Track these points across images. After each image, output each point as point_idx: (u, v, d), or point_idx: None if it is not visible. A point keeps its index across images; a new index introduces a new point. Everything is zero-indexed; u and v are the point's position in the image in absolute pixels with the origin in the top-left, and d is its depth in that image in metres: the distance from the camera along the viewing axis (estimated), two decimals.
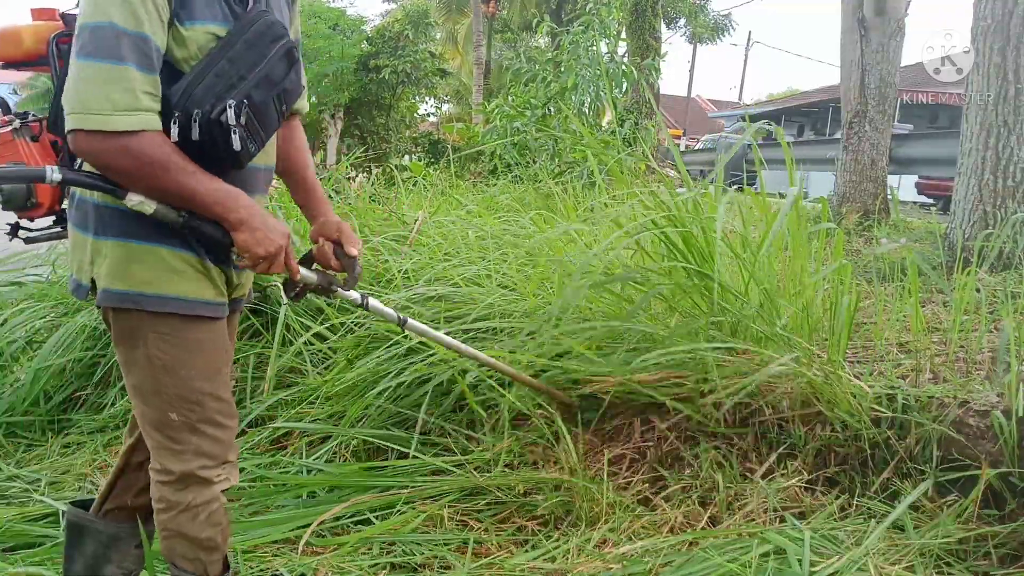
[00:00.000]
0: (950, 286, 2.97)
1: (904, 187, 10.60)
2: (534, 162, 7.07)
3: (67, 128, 1.16)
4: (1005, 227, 3.63)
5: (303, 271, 1.46)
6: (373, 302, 1.70)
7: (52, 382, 2.93)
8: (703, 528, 1.92)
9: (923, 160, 7.83)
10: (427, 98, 15.91)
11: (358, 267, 1.54)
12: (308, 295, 1.54)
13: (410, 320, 1.83)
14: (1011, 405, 1.86)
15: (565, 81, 7.33)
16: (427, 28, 15.58)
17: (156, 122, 1.18)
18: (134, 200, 1.22)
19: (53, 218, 1.49)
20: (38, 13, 1.44)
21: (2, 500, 2.26)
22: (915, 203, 9.97)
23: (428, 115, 17.10)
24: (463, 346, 2.04)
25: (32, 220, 1.47)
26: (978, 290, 2.60)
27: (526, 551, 1.91)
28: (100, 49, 1.13)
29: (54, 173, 1.19)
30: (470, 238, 3.29)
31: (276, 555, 1.89)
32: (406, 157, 12.60)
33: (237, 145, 1.24)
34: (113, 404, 2.83)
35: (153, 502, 1.40)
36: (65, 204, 1.43)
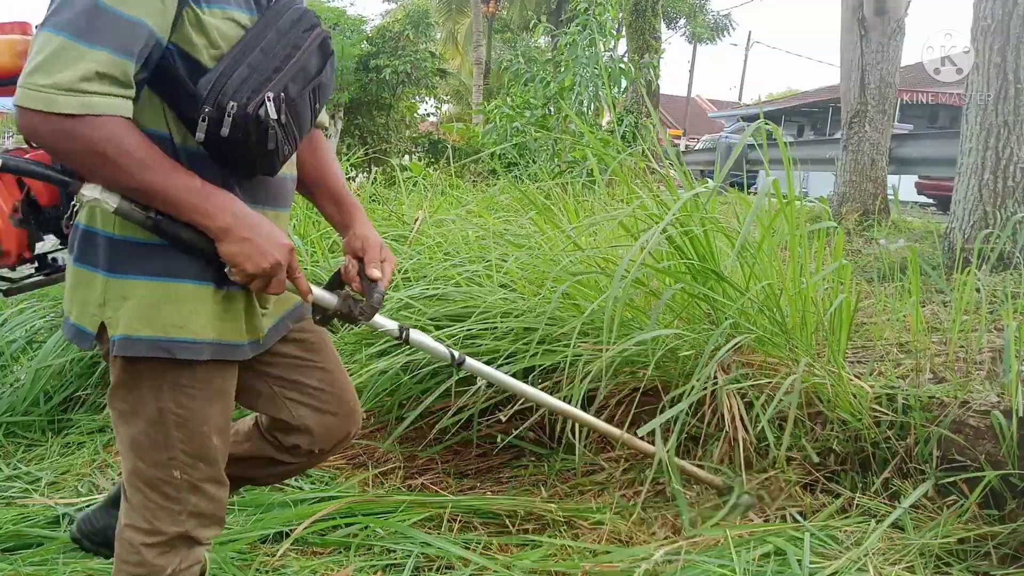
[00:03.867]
0: (950, 286, 2.97)
1: (903, 187, 10.59)
2: (534, 162, 7.08)
3: (12, 101, 1.02)
4: (1006, 227, 3.63)
5: (319, 293, 1.28)
6: (417, 335, 1.47)
7: (52, 382, 2.93)
8: (703, 528, 1.92)
9: (923, 160, 7.82)
10: (427, 98, 15.90)
11: (377, 293, 1.28)
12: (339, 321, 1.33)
13: (469, 360, 1.57)
14: (1011, 405, 1.86)
15: (563, 80, 7.34)
16: (427, 28, 15.59)
17: (112, 107, 1.02)
18: (89, 193, 1.06)
19: (35, 265, 1.34)
20: (7, 27, 1.30)
21: (2, 500, 2.25)
22: (915, 203, 9.96)
23: (428, 115, 17.09)
24: (529, 388, 1.81)
25: (13, 269, 1.32)
26: (978, 290, 2.60)
27: (528, 552, 1.91)
28: (66, 22, 0.99)
29: None
30: (470, 238, 3.29)
31: (270, 555, 1.89)
32: (406, 157, 12.60)
33: (272, 144, 1.10)
34: None
35: (125, 566, 1.24)
36: (40, 249, 1.31)
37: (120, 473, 2.39)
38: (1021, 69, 3.82)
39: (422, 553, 1.88)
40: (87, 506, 2.13)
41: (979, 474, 1.82)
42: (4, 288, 1.35)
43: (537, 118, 7.66)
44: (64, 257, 1.34)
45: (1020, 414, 1.82)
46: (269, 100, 1.08)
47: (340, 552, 1.92)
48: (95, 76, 1.00)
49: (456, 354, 1.56)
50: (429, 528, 2.01)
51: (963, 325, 2.39)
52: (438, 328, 2.56)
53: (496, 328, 2.45)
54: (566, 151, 6.99)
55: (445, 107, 24.68)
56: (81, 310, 1.16)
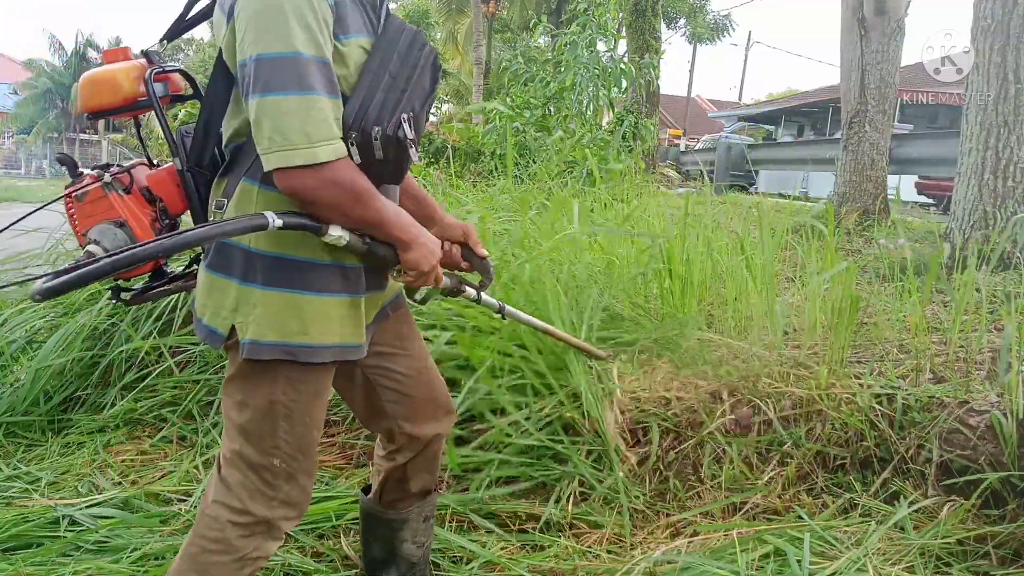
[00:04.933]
0: (950, 286, 2.97)
1: (903, 187, 10.59)
2: (534, 162, 7.08)
3: (268, 167, 1.12)
4: (1007, 228, 3.63)
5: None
6: (486, 297, 1.67)
7: (52, 382, 2.93)
8: (704, 528, 1.92)
9: (923, 160, 7.83)
10: None
11: (491, 268, 1.54)
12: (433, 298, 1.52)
13: (507, 308, 1.79)
14: (1011, 406, 1.86)
15: (563, 80, 7.33)
16: (427, 28, 15.56)
17: (344, 150, 1.14)
18: (334, 234, 1.18)
19: (148, 275, 1.41)
20: (112, 55, 1.37)
21: (2, 500, 2.25)
22: (915, 203, 9.97)
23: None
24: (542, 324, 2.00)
25: (128, 280, 1.40)
26: (978, 290, 2.60)
27: (530, 554, 1.91)
28: (288, 81, 1.08)
29: (275, 220, 1.14)
30: None
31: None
32: None
33: (415, 158, 1.22)
34: (113, 404, 2.83)
35: (201, 539, 1.31)
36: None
37: (120, 473, 2.40)
38: (1021, 69, 3.82)
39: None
40: (87, 506, 2.14)
41: (980, 476, 1.82)
42: (127, 298, 1.41)
43: (537, 118, 7.65)
44: (173, 268, 1.46)
45: (1020, 416, 1.82)
46: (405, 121, 1.19)
47: (339, 551, 1.92)
48: (333, 121, 1.12)
49: (499, 304, 1.73)
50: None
51: (963, 325, 2.39)
52: (441, 329, 2.55)
53: (495, 327, 2.45)
54: (565, 151, 6.98)
55: (445, 107, 24.68)
56: (214, 313, 1.26)
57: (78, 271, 1.01)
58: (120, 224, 1.30)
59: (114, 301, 1.41)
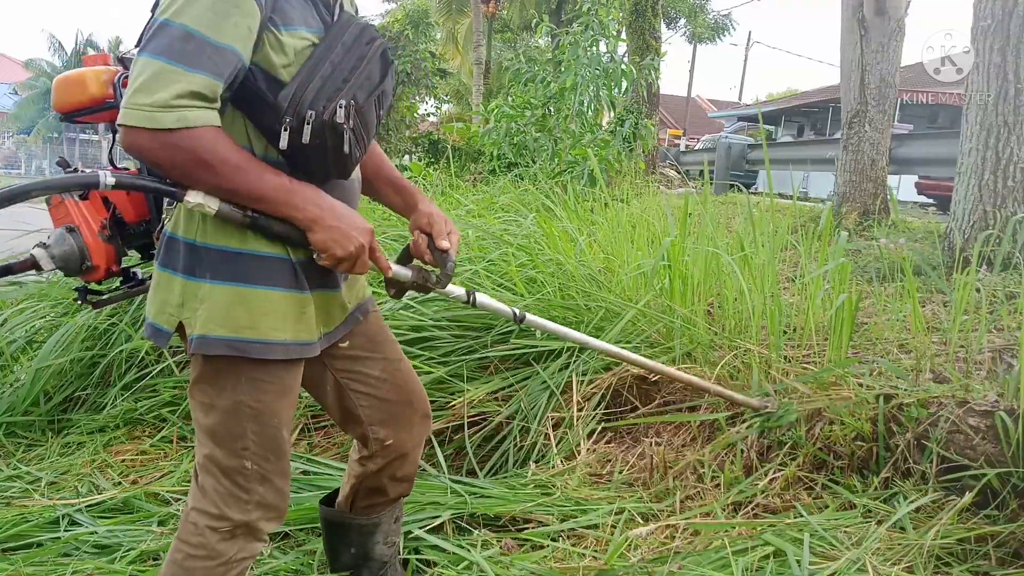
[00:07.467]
0: (950, 286, 2.97)
1: (904, 187, 10.59)
2: (533, 162, 7.07)
3: (118, 122, 1.12)
4: (1008, 228, 3.63)
5: (396, 268, 1.40)
6: (482, 298, 1.59)
7: (52, 382, 2.93)
8: (704, 528, 1.92)
9: (923, 160, 7.83)
10: (427, 98, 15.85)
11: (450, 262, 1.44)
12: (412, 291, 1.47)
13: (528, 315, 1.71)
14: (1014, 405, 1.86)
15: (564, 81, 7.33)
16: (427, 28, 15.55)
17: (204, 119, 1.12)
18: (193, 199, 1.16)
19: (120, 279, 1.41)
20: (91, 60, 1.41)
21: (2, 500, 2.26)
22: (915, 203, 9.97)
23: (428, 115, 17.05)
24: (592, 340, 1.88)
25: (99, 283, 1.39)
26: (978, 290, 2.60)
27: (528, 554, 1.91)
28: (161, 47, 1.10)
29: (107, 177, 1.15)
30: (470, 238, 3.29)
31: (273, 554, 1.89)
32: (406, 157, 12.60)
33: (346, 147, 1.21)
34: (113, 404, 2.83)
35: (184, 545, 1.31)
36: (124, 264, 1.39)
37: (120, 473, 2.40)
38: (1021, 69, 3.82)
39: (417, 551, 1.88)
40: (87, 506, 2.14)
41: (980, 471, 1.82)
42: (93, 300, 1.42)
43: (537, 118, 7.64)
44: (143, 272, 1.45)
45: None
46: (341, 107, 1.19)
47: None
48: (188, 95, 1.10)
49: (517, 312, 1.68)
50: (429, 530, 2.01)
51: (963, 325, 2.39)
52: (441, 330, 2.56)
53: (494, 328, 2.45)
54: (565, 151, 6.98)
55: (445, 107, 24.66)
56: (159, 310, 1.26)
57: None
58: (71, 229, 1.31)
59: (80, 303, 1.42)
